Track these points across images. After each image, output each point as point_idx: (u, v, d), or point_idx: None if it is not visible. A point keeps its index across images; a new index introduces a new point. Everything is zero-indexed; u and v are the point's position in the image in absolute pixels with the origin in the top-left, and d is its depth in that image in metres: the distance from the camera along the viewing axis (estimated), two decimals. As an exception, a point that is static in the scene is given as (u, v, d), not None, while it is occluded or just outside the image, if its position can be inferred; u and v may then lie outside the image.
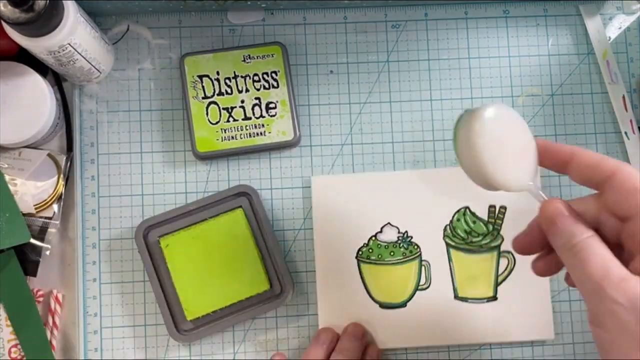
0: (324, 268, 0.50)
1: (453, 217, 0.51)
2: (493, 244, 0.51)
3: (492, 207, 0.51)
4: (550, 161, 0.37)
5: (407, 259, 0.50)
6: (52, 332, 0.49)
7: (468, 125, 0.35)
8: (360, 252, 0.50)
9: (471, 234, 0.51)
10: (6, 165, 0.49)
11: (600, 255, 0.32)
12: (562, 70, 0.54)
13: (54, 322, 0.49)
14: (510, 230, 0.50)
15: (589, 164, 0.35)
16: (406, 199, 0.51)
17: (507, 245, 0.50)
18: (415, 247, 0.51)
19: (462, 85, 0.54)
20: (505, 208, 0.51)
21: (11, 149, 0.49)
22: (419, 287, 0.50)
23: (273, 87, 0.51)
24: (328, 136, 0.53)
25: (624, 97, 0.53)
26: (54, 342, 0.49)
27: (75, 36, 0.44)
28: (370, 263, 0.50)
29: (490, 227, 0.51)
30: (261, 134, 0.50)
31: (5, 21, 0.40)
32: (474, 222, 0.51)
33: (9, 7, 0.39)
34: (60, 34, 0.43)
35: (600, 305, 0.31)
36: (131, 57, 0.52)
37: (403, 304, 0.50)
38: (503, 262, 0.51)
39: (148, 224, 0.49)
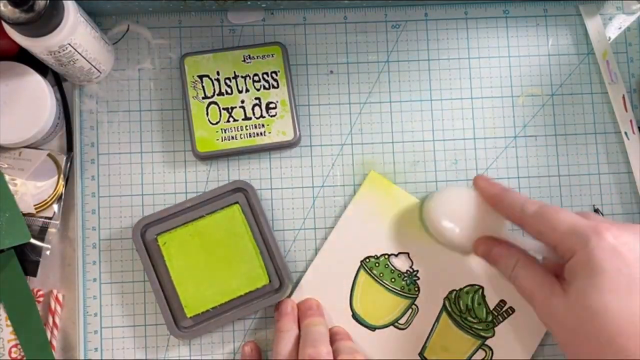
0: (329, 252, 0.50)
1: (465, 287, 0.50)
2: (483, 333, 0.50)
3: (502, 302, 0.50)
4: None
5: (403, 294, 0.50)
6: (52, 332, 0.49)
7: (427, 206, 0.48)
8: (367, 260, 0.50)
9: (470, 313, 0.50)
10: (6, 165, 0.49)
11: (527, 282, 0.42)
12: (562, 70, 0.54)
13: (54, 322, 0.49)
14: (505, 332, 0.50)
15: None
16: (436, 245, 0.49)
17: (493, 341, 0.50)
18: (416, 289, 0.50)
19: (462, 85, 0.54)
20: (513, 310, 0.50)
21: (11, 149, 0.49)
22: (396, 324, 0.50)
23: (273, 87, 0.51)
24: (328, 136, 0.53)
25: (624, 97, 0.53)
26: (54, 342, 0.49)
27: (75, 36, 0.44)
28: (369, 274, 0.50)
29: (490, 318, 0.50)
30: (261, 134, 0.50)
31: (5, 21, 0.40)
32: (479, 305, 0.50)
33: (9, 7, 0.39)
34: (61, 34, 0.43)
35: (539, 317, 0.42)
36: (131, 57, 0.52)
37: (373, 328, 0.50)
38: (480, 354, 0.50)
39: (145, 222, 0.49)
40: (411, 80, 0.53)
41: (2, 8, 0.39)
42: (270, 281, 0.49)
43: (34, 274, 0.50)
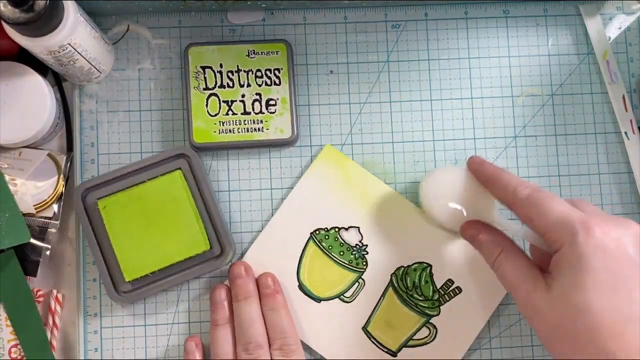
0: (278, 224, 0.50)
1: (412, 264, 0.50)
2: (428, 311, 0.50)
3: (449, 281, 0.50)
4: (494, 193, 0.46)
5: (350, 267, 0.50)
6: (52, 332, 0.49)
7: (422, 182, 0.49)
8: (317, 232, 0.50)
9: (416, 290, 0.50)
10: (6, 165, 0.49)
11: (510, 273, 0.41)
12: (562, 70, 0.54)
13: (54, 322, 0.49)
14: (451, 312, 0.50)
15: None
16: (387, 221, 0.50)
17: (438, 320, 0.50)
18: (364, 263, 0.50)
19: (462, 85, 0.54)
20: (460, 290, 0.50)
21: (11, 149, 0.49)
22: (342, 297, 0.50)
23: (275, 84, 0.51)
24: (328, 136, 0.53)
25: (624, 97, 0.53)
26: (54, 342, 0.49)
27: (75, 36, 0.44)
28: (318, 247, 0.50)
29: (436, 296, 0.50)
30: (259, 129, 0.51)
31: (5, 21, 0.40)
32: (426, 282, 0.50)
33: (9, 7, 0.39)
34: (60, 34, 0.43)
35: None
36: (131, 57, 0.52)
37: (318, 299, 0.50)
38: (423, 332, 0.50)
39: (86, 186, 0.49)
40: (411, 80, 0.53)
41: (2, 8, 0.39)
42: (211, 247, 0.49)
43: (34, 274, 0.50)
